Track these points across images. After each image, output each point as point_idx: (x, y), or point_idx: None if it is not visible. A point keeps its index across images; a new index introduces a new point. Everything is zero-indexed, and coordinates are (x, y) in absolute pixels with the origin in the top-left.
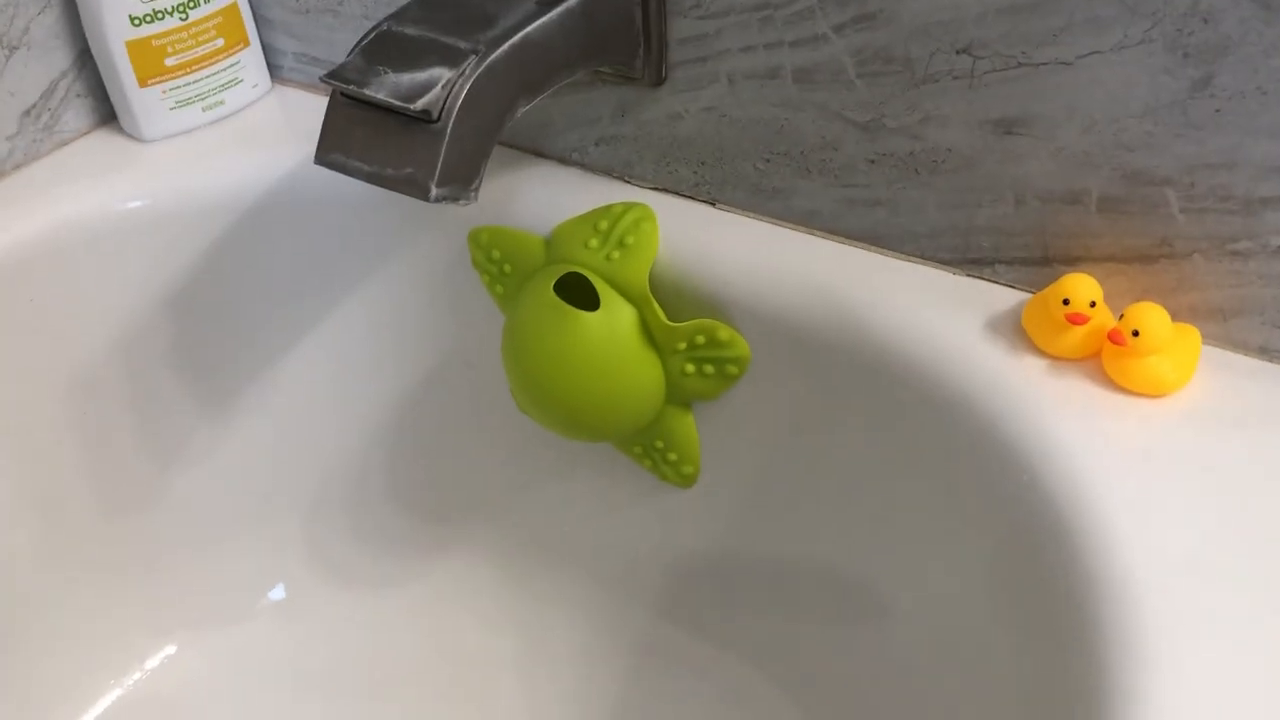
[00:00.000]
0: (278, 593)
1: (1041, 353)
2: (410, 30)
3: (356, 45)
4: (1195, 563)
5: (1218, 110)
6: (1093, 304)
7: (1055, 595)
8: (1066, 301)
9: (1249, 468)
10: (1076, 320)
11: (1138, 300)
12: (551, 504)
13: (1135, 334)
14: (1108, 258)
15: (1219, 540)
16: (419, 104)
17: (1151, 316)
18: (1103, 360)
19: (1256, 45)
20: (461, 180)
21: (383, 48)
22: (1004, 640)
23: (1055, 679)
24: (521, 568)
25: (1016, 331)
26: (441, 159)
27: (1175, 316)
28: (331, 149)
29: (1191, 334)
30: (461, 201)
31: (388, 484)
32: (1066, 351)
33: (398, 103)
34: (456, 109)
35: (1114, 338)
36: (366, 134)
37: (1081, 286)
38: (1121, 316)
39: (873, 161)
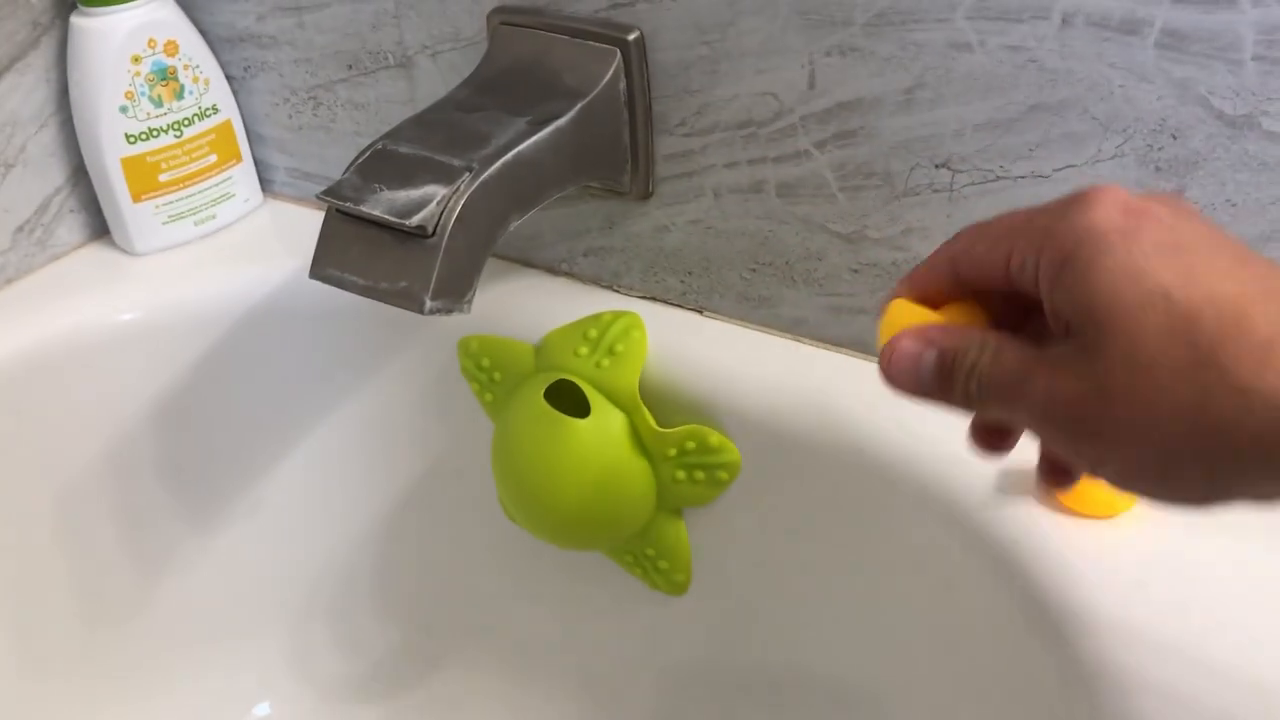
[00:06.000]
0: (263, 709)
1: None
2: (405, 149)
3: (352, 163)
4: (1185, 659)
5: None
6: None
7: (1051, 697)
8: None
9: (1220, 567)
10: None
11: None
12: (541, 613)
13: None
14: None
15: (1207, 635)
16: (415, 220)
17: None
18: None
19: (1224, 160)
20: (455, 293)
21: (378, 165)
22: None
23: None
24: (510, 678)
25: None
26: (436, 273)
27: None
28: (327, 264)
29: None
30: (455, 313)
31: (375, 596)
32: None
33: (394, 219)
34: (451, 224)
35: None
36: (362, 249)
37: None
38: None
39: (856, 271)
